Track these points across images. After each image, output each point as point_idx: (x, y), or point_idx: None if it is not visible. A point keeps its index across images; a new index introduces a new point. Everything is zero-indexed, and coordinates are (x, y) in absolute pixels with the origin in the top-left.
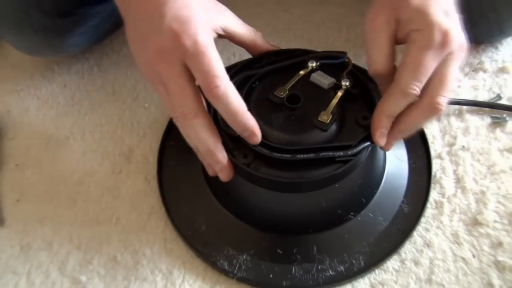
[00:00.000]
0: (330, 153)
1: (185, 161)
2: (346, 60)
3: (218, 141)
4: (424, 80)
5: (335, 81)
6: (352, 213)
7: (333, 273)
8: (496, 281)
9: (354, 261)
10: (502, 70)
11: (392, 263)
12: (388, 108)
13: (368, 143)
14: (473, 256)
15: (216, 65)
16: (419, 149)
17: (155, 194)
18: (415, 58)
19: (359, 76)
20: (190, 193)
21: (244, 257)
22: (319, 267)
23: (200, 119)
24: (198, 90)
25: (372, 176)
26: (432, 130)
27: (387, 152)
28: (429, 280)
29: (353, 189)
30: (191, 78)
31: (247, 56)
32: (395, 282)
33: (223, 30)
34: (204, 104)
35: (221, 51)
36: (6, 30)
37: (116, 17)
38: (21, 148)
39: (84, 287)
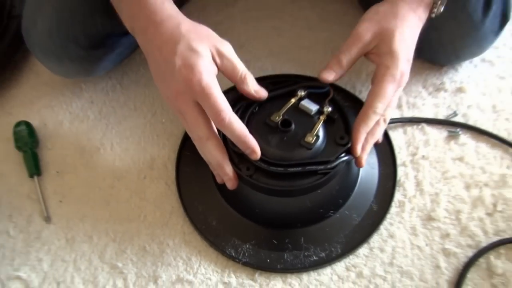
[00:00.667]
0: (314, 167)
1: (198, 169)
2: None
3: (226, 157)
4: (386, 103)
5: (319, 108)
6: (332, 211)
7: (317, 258)
8: (443, 264)
9: (333, 249)
10: (460, 90)
11: (363, 250)
12: (365, 125)
13: (344, 158)
14: (426, 244)
15: (220, 102)
16: (387, 158)
17: (174, 196)
18: (382, 88)
19: (339, 103)
20: (203, 195)
21: (247, 246)
22: (306, 253)
23: (211, 141)
24: (209, 119)
25: (348, 182)
26: (399, 142)
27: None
28: (391, 264)
29: (332, 193)
30: (202, 111)
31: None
32: (365, 265)
33: (223, 56)
34: (215, 129)
35: None
36: (47, 60)
37: (136, 44)
38: (59, 157)
39: (121, 271)
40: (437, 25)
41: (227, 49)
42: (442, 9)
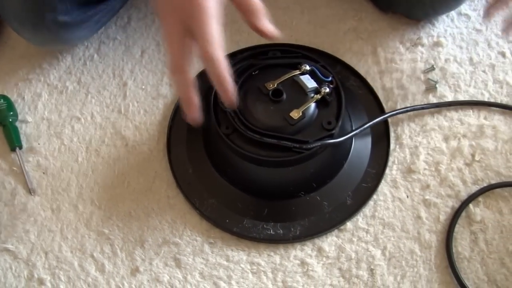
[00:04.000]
0: (289, 143)
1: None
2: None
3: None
4: None
5: (317, 87)
6: (302, 192)
7: (273, 233)
8: (423, 214)
9: (292, 229)
10: (437, 44)
11: None
12: None
13: (322, 142)
14: (407, 196)
15: (215, 32)
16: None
17: (157, 161)
18: None
19: (339, 88)
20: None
21: (213, 201)
22: (264, 225)
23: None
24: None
25: (326, 169)
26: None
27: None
28: (373, 216)
29: (305, 175)
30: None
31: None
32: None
33: None
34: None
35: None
36: (23, 29)
37: (114, 11)
38: (39, 129)
39: (108, 237)
40: None
41: None
42: None
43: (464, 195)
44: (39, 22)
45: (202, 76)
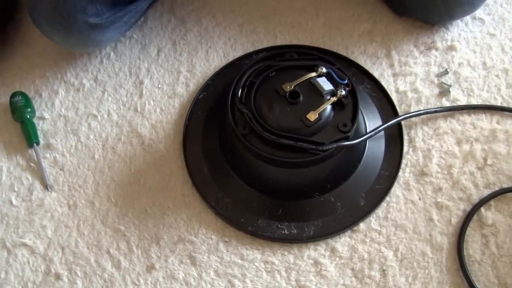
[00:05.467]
0: (305, 145)
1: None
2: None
3: None
4: None
5: (333, 89)
6: (316, 193)
7: (287, 233)
8: (435, 217)
9: (306, 229)
10: (451, 48)
11: None
12: None
13: (337, 144)
14: (419, 199)
15: None
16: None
17: (173, 160)
18: None
19: (355, 91)
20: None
21: (228, 200)
22: (279, 225)
23: None
24: None
25: (341, 170)
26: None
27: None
28: (386, 218)
29: (319, 176)
30: None
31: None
32: (360, 220)
33: None
34: None
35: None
36: (55, 33)
37: (142, 11)
38: (56, 126)
39: (124, 234)
40: None
41: None
42: None
43: (475, 198)
44: (70, 25)
45: (220, 75)
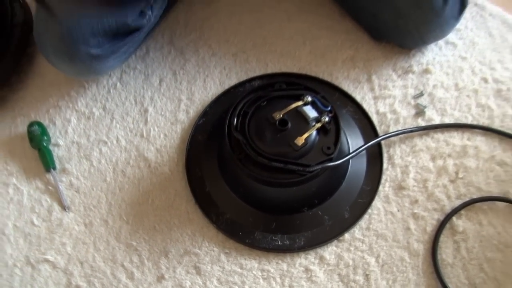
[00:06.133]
0: (294, 167)
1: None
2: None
3: None
4: None
5: (318, 116)
6: (305, 208)
7: (281, 244)
8: (412, 226)
9: (297, 240)
10: (426, 71)
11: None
12: None
13: (322, 166)
14: (398, 210)
15: None
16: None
17: (177, 181)
18: None
19: (338, 118)
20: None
21: (227, 216)
22: (273, 237)
23: None
24: None
25: (327, 187)
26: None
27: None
28: (368, 228)
29: (307, 193)
30: None
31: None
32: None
33: None
34: None
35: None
36: (60, 62)
37: (139, 41)
38: (70, 152)
39: (136, 248)
40: (403, 13)
41: None
42: None
43: (448, 208)
44: (74, 55)
45: (217, 102)
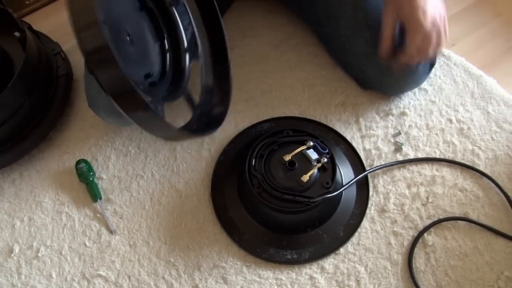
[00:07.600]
0: (300, 198)
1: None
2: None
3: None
4: None
5: (318, 158)
6: (309, 229)
7: (290, 257)
8: (393, 241)
9: (303, 254)
10: (403, 114)
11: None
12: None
13: (322, 197)
14: (381, 229)
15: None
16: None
17: (205, 208)
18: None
19: (334, 159)
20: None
21: (247, 236)
22: (284, 252)
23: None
24: None
25: (325, 212)
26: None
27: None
28: (358, 244)
29: (311, 218)
30: None
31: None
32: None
33: None
34: None
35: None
36: (109, 118)
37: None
38: (112, 184)
39: (173, 264)
40: (385, 71)
41: None
42: None
43: (420, 227)
44: (112, 110)
45: (234, 142)
